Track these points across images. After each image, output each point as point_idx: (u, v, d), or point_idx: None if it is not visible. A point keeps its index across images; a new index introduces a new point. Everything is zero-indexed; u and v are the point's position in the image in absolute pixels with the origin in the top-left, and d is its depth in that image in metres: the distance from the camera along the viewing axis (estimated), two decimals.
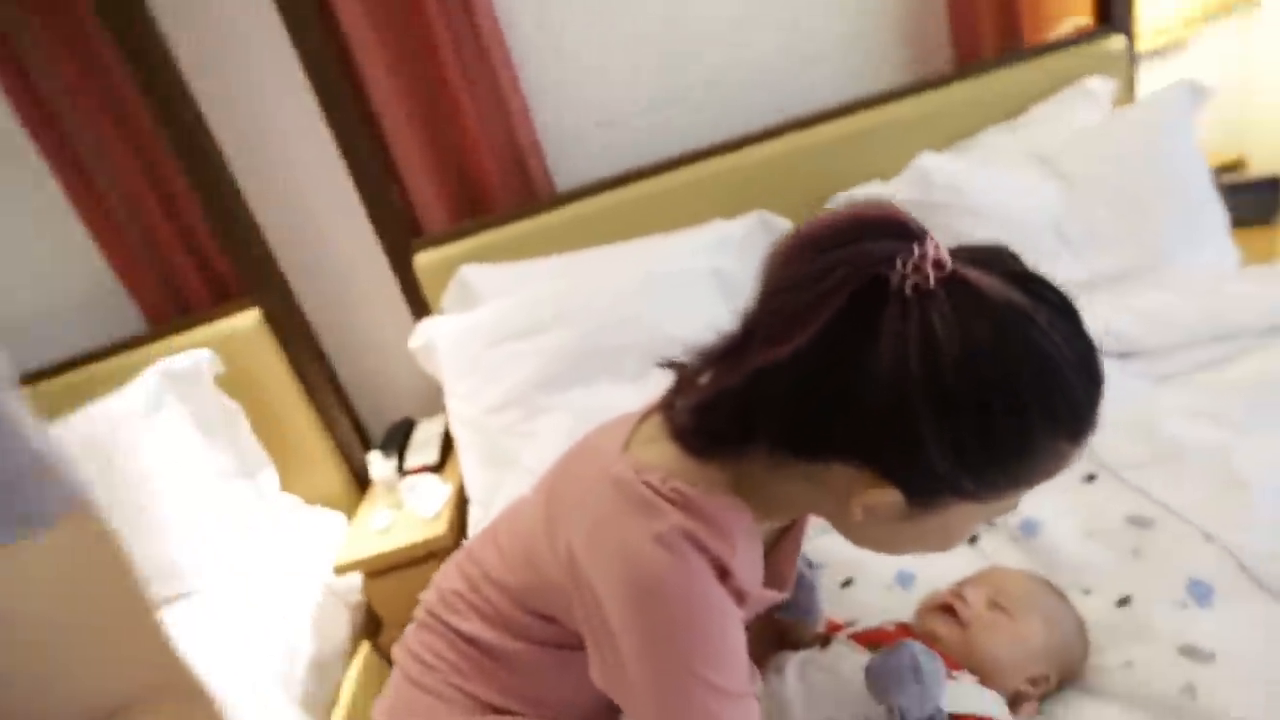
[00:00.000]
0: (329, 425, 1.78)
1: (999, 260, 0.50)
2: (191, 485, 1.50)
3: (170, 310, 1.72)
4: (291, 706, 1.30)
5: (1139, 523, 0.88)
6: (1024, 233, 1.33)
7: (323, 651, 1.45)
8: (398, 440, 1.80)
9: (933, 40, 1.72)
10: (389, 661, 1.60)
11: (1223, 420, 0.96)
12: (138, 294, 1.72)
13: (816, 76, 1.72)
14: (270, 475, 1.68)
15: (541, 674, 0.72)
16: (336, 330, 1.85)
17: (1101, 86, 1.56)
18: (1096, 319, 1.12)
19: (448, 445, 1.77)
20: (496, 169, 1.67)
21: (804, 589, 0.76)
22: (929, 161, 1.40)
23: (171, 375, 1.53)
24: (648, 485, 0.57)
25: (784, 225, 1.53)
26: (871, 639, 0.74)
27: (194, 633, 1.33)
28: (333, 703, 1.44)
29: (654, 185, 1.63)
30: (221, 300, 1.72)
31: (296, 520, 1.67)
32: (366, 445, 1.87)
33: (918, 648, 0.63)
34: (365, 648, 1.60)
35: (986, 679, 0.69)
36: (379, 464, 1.63)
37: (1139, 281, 1.26)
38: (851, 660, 0.71)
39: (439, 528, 1.51)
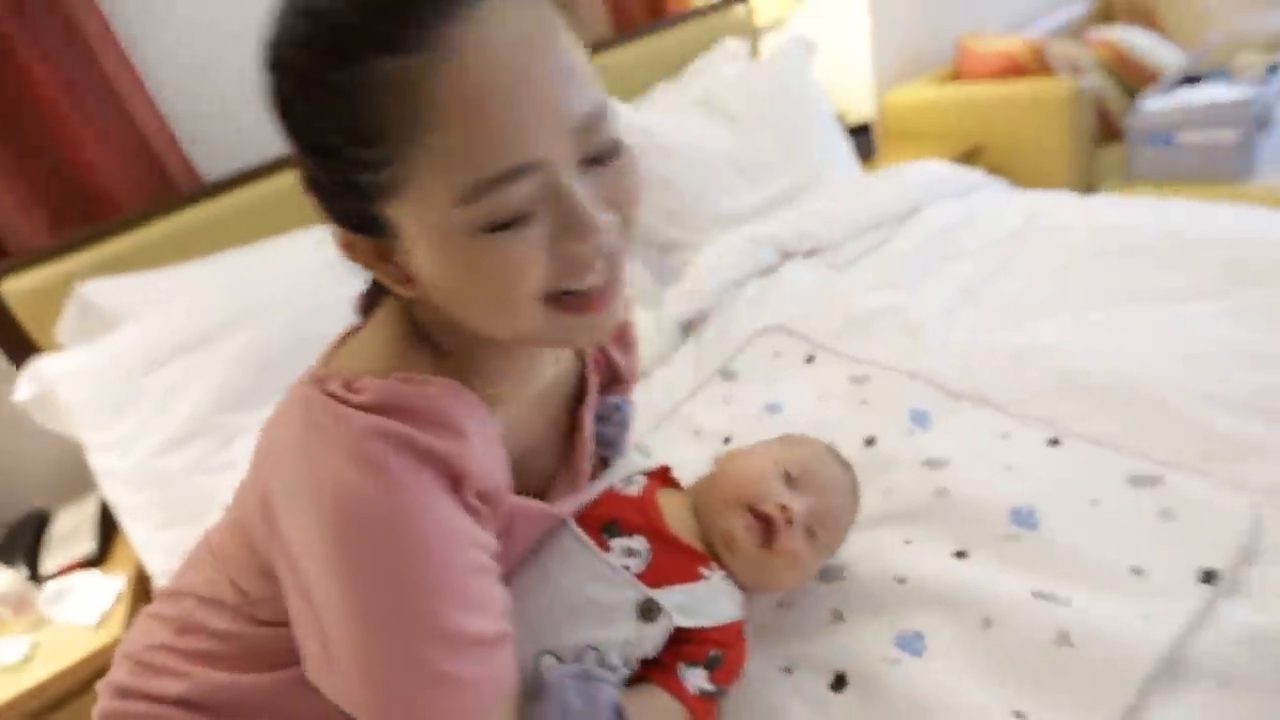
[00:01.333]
0: None
1: None
2: None
3: None
4: None
5: (858, 380, 0.99)
6: (706, 167, 1.45)
7: None
8: (25, 542, 1.31)
9: (587, 12, 1.79)
10: None
11: (893, 286, 1.15)
12: None
13: None
14: None
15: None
16: None
17: (737, 46, 1.78)
18: (786, 226, 1.26)
19: (107, 530, 1.34)
20: (114, 163, 1.32)
21: (609, 426, 0.66)
22: (618, 109, 1.44)
23: None
24: (329, 393, 0.44)
25: None
26: (601, 514, 0.60)
27: None
28: None
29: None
30: None
31: None
32: None
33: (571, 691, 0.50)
34: None
35: (748, 589, 0.62)
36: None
37: (801, 199, 1.46)
38: (556, 564, 0.56)
39: (111, 632, 1.12)
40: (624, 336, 0.68)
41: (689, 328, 1.19)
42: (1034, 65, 2.00)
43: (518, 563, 0.56)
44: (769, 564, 0.60)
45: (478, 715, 0.44)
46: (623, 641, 0.53)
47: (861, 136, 2.04)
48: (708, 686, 0.54)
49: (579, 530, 0.57)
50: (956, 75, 2.29)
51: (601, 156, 0.42)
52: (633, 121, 1.45)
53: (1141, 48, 2.25)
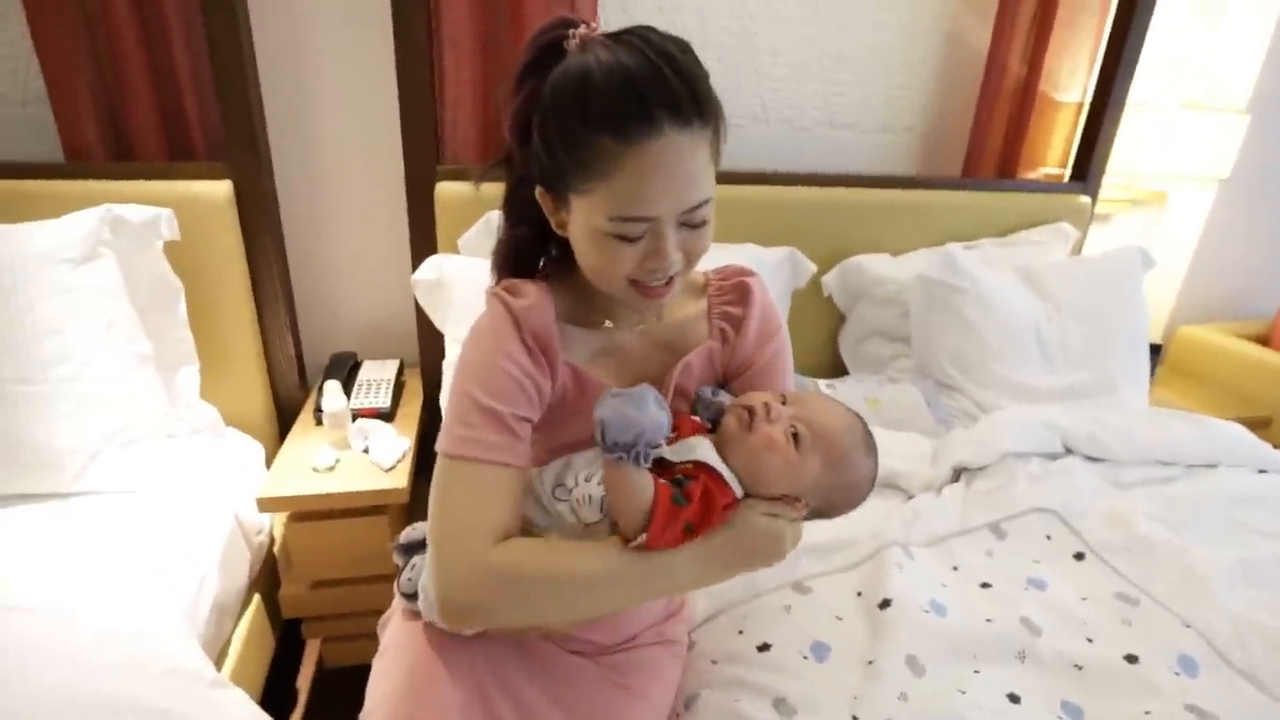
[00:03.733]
0: (270, 339, 1.55)
1: (632, 33, 0.65)
2: (103, 363, 1.22)
3: (100, 151, 1.41)
4: (195, 646, 1.09)
5: (1126, 599, 1.03)
6: (1013, 333, 1.53)
7: (226, 593, 1.23)
8: (340, 375, 1.61)
9: (949, 148, 1.93)
10: (277, 622, 1.41)
11: (1174, 526, 1.17)
12: (64, 115, 1.38)
13: (844, 142, 1.86)
14: (192, 376, 1.42)
15: None
16: (303, 239, 1.63)
17: (1070, 232, 1.84)
18: (1081, 426, 1.31)
19: (397, 394, 1.62)
20: None
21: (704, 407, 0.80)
22: (955, 251, 1.56)
23: (120, 224, 1.25)
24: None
25: (808, 265, 1.61)
26: (682, 427, 0.76)
27: (80, 541, 1.08)
28: (223, 655, 1.22)
29: None
30: (178, 158, 1.45)
31: (212, 437, 1.42)
32: (301, 373, 1.65)
33: (653, 393, 0.67)
34: (256, 601, 1.38)
35: (743, 479, 0.72)
36: (334, 395, 1.44)
37: (1094, 401, 1.50)
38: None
39: (398, 480, 1.36)
40: (741, 292, 0.84)
41: (960, 472, 1.28)
42: None
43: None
44: (750, 443, 0.71)
45: (482, 465, 0.68)
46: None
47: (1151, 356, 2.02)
48: (674, 488, 0.68)
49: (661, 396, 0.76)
50: (1267, 338, 2.20)
51: (692, 224, 0.68)
52: (966, 264, 1.56)
53: None
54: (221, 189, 1.41)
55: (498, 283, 0.79)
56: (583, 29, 0.66)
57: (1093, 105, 1.88)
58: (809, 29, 1.73)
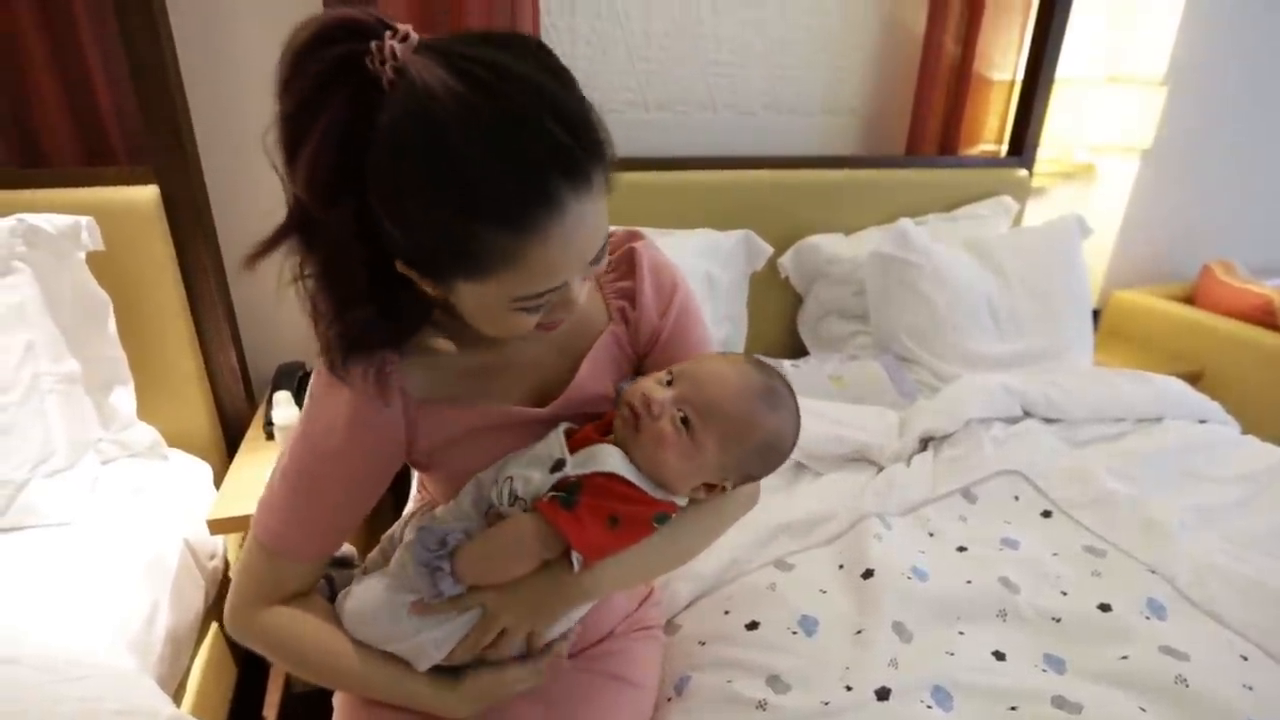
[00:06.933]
0: (211, 353, 1.47)
1: (459, 48, 0.50)
2: (23, 387, 1.13)
3: (7, 159, 1.30)
4: (148, 683, 1.02)
5: (1093, 552, 1.07)
6: (967, 305, 1.57)
7: (180, 624, 1.16)
8: (290, 386, 1.53)
9: (891, 128, 1.97)
10: (239, 648, 1.34)
11: (1134, 480, 1.21)
12: None
13: (790, 126, 1.87)
14: (127, 396, 1.33)
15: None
16: (239, 244, 1.54)
17: (1011, 205, 1.90)
18: (1037, 389, 1.36)
19: None
20: None
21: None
22: (907, 226, 1.59)
23: (35, 235, 1.15)
24: None
25: (764, 247, 1.62)
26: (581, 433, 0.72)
27: (12, 581, 1.00)
28: (181, 688, 1.15)
29: (647, 179, 1.63)
30: (96, 164, 1.35)
31: (154, 460, 1.33)
32: (248, 387, 1.56)
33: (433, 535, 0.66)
34: (214, 630, 1.31)
35: (655, 479, 0.68)
36: (285, 406, 1.37)
37: (1045, 366, 1.55)
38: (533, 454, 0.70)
39: None
40: (630, 262, 0.76)
41: (927, 441, 1.30)
42: None
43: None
44: (642, 444, 0.66)
45: (279, 554, 0.69)
46: (526, 480, 0.67)
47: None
48: (562, 495, 0.64)
49: (560, 427, 0.72)
50: (1191, 297, 2.33)
51: (595, 263, 0.60)
52: (919, 239, 1.59)
53: None
54: (147, 194, 1.32)
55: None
56: (388, 39, 0.48)
57: (1024, 82, 1.94)
58: (751, 13, 1.73)
